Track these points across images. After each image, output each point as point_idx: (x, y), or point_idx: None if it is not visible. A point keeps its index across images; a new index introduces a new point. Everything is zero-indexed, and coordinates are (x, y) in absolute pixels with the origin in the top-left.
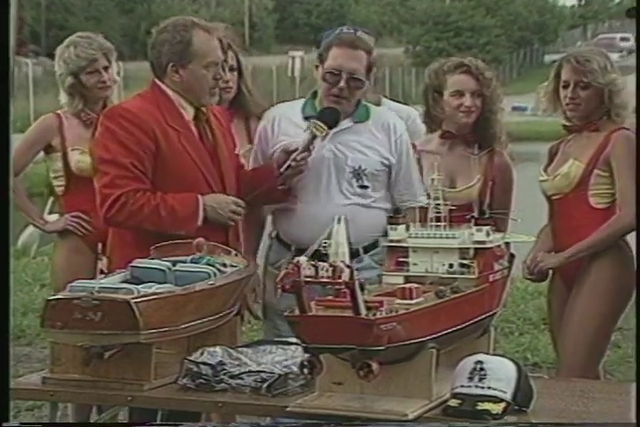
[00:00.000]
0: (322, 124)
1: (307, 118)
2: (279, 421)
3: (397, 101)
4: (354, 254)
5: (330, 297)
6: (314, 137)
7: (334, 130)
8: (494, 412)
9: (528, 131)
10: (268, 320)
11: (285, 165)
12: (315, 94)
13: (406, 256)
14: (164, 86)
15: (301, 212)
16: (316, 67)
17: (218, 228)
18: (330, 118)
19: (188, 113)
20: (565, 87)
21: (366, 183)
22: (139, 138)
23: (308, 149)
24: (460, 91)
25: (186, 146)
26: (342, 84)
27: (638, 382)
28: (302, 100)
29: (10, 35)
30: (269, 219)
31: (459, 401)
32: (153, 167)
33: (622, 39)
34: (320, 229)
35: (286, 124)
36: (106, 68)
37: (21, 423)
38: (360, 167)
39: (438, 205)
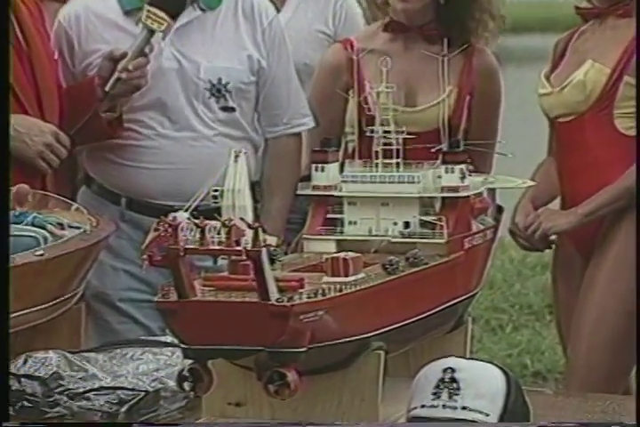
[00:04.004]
0: (160, 13)
1: (128, 12)
2: None
3: None
4: None
5: (224, 273)
6: (150, 33)
7: (177, 23)
8: None
9: (530, 16)
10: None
11: (112, 80)
12: None
13: (339, 211)
14: None
15: (140, 150)
16: None
17: (28, 168)
18: (171, 2)
19: None
20: None
21: (231, 104)
22: None
23: (142, 52)
24: None
25: None
26: None
27: (638, 381)
28: None
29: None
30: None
31: None
32: None
33: None
34: (172, 176)
35: (97, 24)
36: None
37: (22, 423)
38: (220, 81)
39: (388, 132)
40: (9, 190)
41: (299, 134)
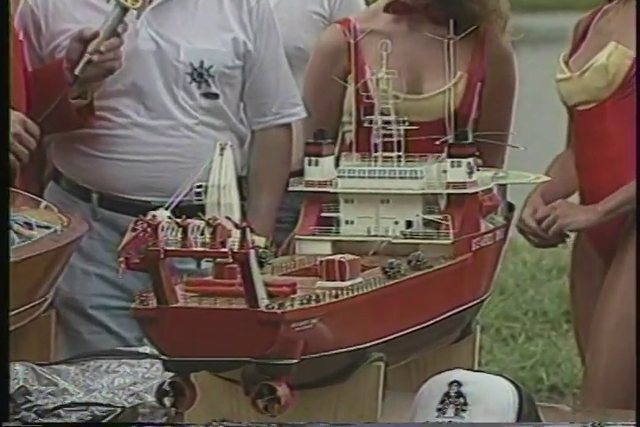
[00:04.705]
0: None
1: None
2: None
3: None
4: None
5: (208, 278)
6: (124, 11)
7: (155, 1)
8: None
9: None
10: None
11: (82, 63)
12: None
13: (335, 209)
14: None
15: (114, 140)
16: None
17: None
18: None
19: None
20: None
21: (214, 90)
22: None
23: (115, 32)
24: None
25: None
26: None
27: (638, 381)
28: None
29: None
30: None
31: None
32: None
33: None
34: (148, 168)
35: (66, 2)
36: None
37: (21, 423)
38: (202, 64)
39: (388, 122)
40: (9, 190)
41: (289, 125)
